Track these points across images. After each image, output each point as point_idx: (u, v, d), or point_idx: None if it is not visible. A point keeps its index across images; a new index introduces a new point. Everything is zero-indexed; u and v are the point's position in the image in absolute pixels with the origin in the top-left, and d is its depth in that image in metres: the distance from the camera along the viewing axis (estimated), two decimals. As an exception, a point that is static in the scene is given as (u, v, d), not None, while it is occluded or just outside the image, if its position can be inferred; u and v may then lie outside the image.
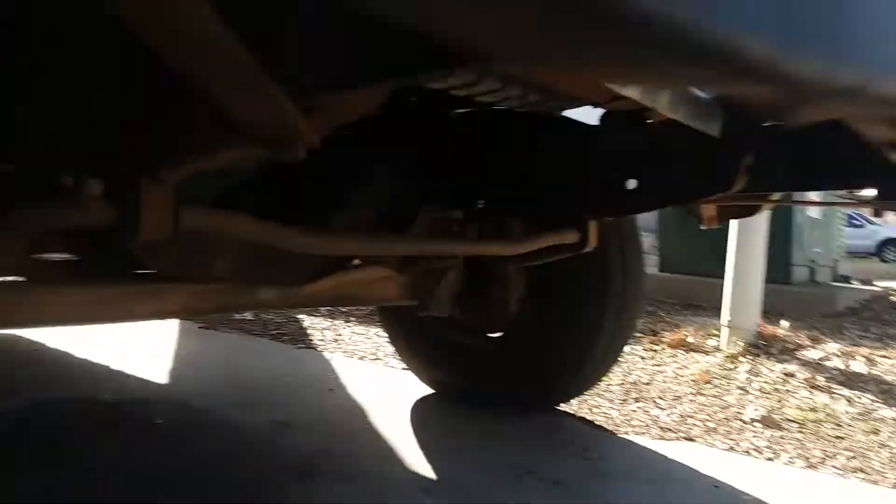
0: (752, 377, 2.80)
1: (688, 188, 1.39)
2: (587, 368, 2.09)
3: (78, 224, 0.77)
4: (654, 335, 3.42)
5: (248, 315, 3.75)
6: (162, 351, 2.81)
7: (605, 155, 1.49)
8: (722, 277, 3.51)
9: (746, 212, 1.77)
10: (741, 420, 2.27)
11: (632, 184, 1.47)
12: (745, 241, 3.39)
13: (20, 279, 1.34)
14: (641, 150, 1.44)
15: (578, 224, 1.61)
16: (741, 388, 2.65)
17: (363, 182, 1.62)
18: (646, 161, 1.44)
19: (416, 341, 2.36)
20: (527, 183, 1.62)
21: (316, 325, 3.54)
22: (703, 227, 1.83)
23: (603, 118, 1.46)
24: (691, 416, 2.27)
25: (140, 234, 0.79)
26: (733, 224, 3.43)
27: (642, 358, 3.04)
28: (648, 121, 1.41)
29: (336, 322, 3.66)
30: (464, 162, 1.68)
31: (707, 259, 4.71)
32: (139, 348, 2.84)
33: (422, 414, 2.18)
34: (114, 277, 1.38)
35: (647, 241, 4.39)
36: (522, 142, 1.61)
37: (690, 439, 2.07)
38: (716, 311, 3.73)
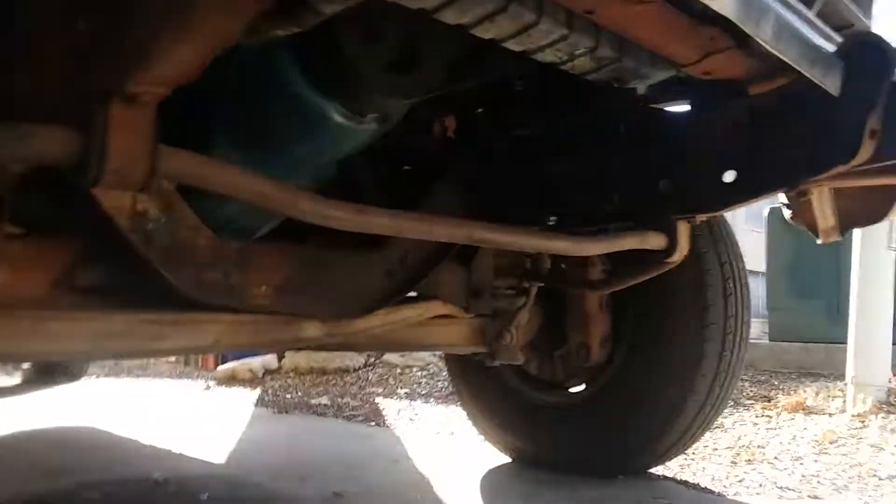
0: (886, 434, 2.38)
1: (800, 164, 1.15)
2: (684, 423, 1.78)
3: (39, 155, 0.64)
4: (767, 401, 3.03)
5: (323, 399, 3.61)
6: (226, 431, 2.68)
7: (695, 137, 1.29)
8: (839, 342, 3.15)
9: (875, 213, 1.46)
10: (877, 476, 1.89)
11: (729, 176, 1.26)
12: (871, 289, 3.03)
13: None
14: (739, 127, 1.23)
15: (665, 227, 1.38)
16: (874, 446, 2.25)
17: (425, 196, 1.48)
18: (746, 139, 1.23)
19: (487, 401, 2.13)
20: (601, 183, 1.42)
21: (393, 406, 3.34)
22: (820, 242, 1.55)
23: (693, 95, 1.27)
24: (815, 476, 1.92)
25: (107, 165, 0.65)
26: (855, 271, 3.09)
27: (754, 424, 2.66)
28: (749, 92, 1.20)
29: (415, 402, 3.46)
30: (529, 170, 1.50)
31: (821, 323, 4.27)
32: (203, 431, 2.73)
33: (495, 482, 1.93)
34: (139, 305, 1.25)
35: (756, 326, 3.99)
36: (593, 135, 1.43)
37: (817, 497, 1.72)
38: (835, 377, 3.33)
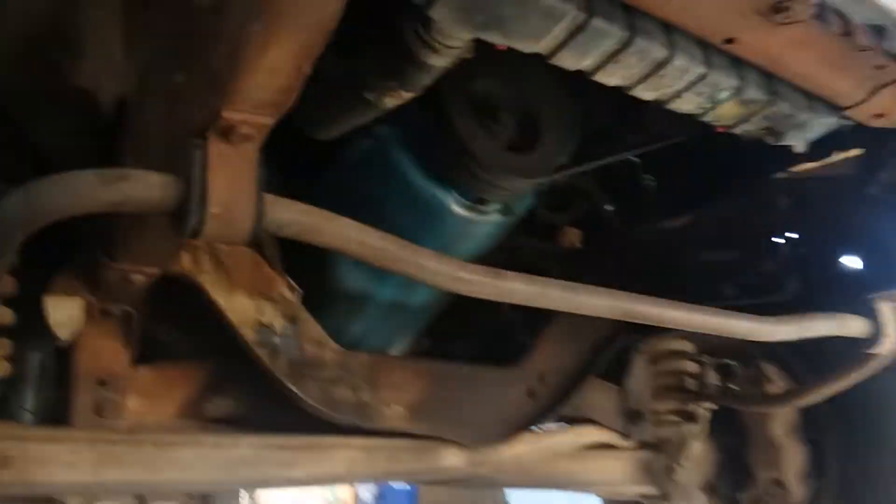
0: None
1: None
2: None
3: (134, 201, 0.61)
4: None
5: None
6: None
7: (875, 204, 1.13)
8: None
9: None
10: None
11: None
12: None
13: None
14: None
15: (863, 310, 1.13)
16: None
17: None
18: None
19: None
20: (768, 268, 1.24)
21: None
22: None
23: (861, 154, 1.11)
24: None
25: (207, 208, 0.60)
26: None
27: None
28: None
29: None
30: (676, 266, 1.35)
31: None
32: None
33: None
34: (267, 431, 1.18)
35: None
36: (749, 215, 1.27)
37: None
38: None
